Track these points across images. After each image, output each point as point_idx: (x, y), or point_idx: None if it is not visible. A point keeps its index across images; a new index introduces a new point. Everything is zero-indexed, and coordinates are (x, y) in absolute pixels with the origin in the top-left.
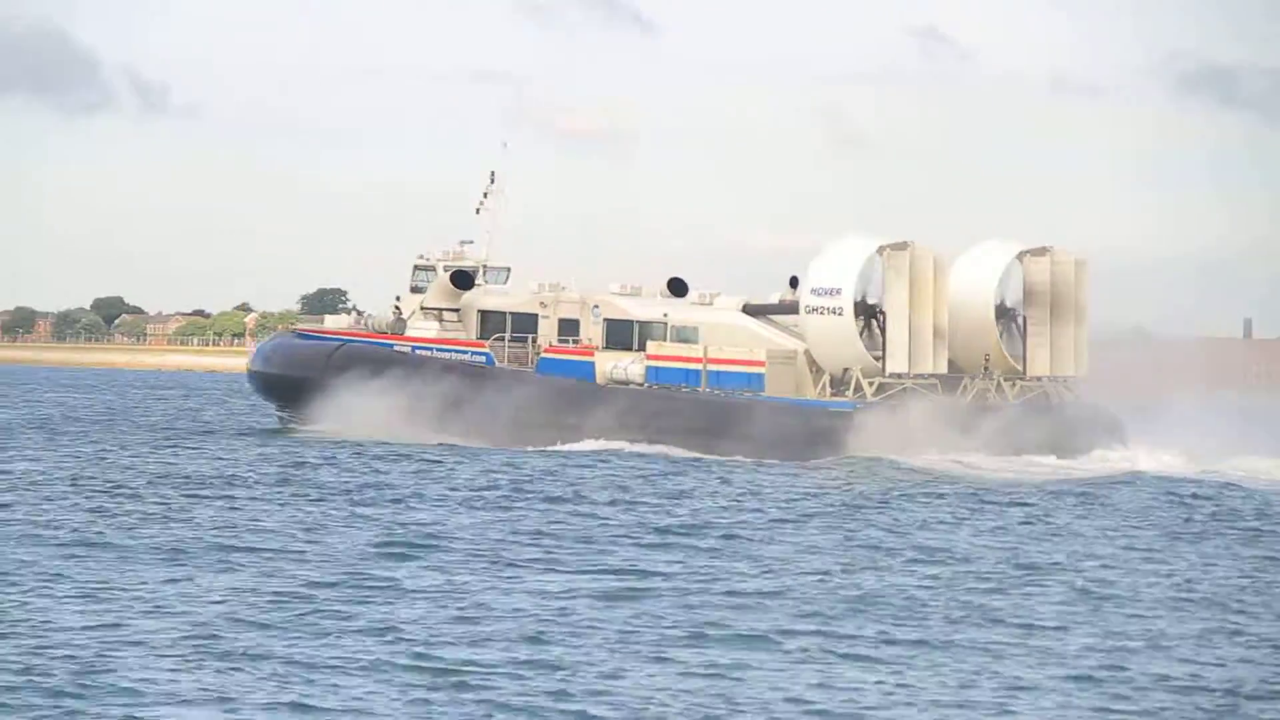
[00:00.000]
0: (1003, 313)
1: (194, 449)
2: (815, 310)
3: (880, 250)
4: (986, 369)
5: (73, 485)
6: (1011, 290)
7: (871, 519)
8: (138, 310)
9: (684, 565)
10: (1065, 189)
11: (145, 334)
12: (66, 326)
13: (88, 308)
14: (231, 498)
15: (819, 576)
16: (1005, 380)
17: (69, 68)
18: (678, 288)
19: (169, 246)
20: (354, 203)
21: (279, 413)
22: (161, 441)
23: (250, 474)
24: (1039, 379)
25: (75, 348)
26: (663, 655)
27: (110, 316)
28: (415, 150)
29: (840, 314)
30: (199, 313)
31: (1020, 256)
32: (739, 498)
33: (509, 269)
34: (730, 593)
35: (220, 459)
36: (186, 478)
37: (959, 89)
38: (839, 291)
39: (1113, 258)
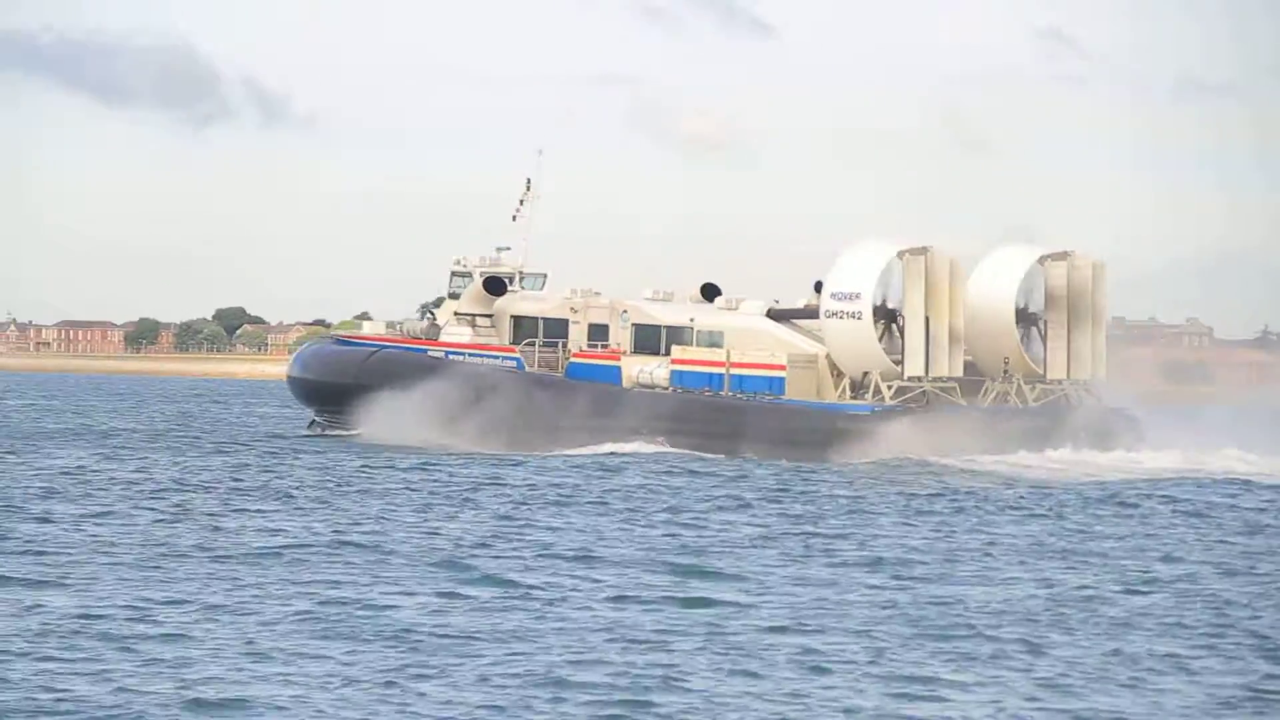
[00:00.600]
0: (1024, 317)
1: (312, 454)
2: (835, 314)
3: (900, 255)
4: (1006, 372)
5: (180, 491)
6: (1034, 294)
7: (954, 522)
8: (259, 320)
9: (795, 573)
10: (1188, 191)
11: (266, 344)
12: (189, 337)
13: (210, 319)
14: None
15: (928, 582)
16: (1025, 383)
17: (191, 80)
18: (711, 293)
19: (290, 256)
20: (474, 209)
21: (316, 418)
22: (269, 448)
23: (367, 480)
24: (1059, 382)
25: (197, 358)
26: (771, 663)
27: (232, 327)
28: (538, 156)
29: (859, 318)
30: (320, 322)
31: (1041, 261)
32: (839, 502)
33: (545, 275)
34: (842, 601)
35: (334, 465)
36: (298, 484)
37: (1080, 91)
38: (858, 296)
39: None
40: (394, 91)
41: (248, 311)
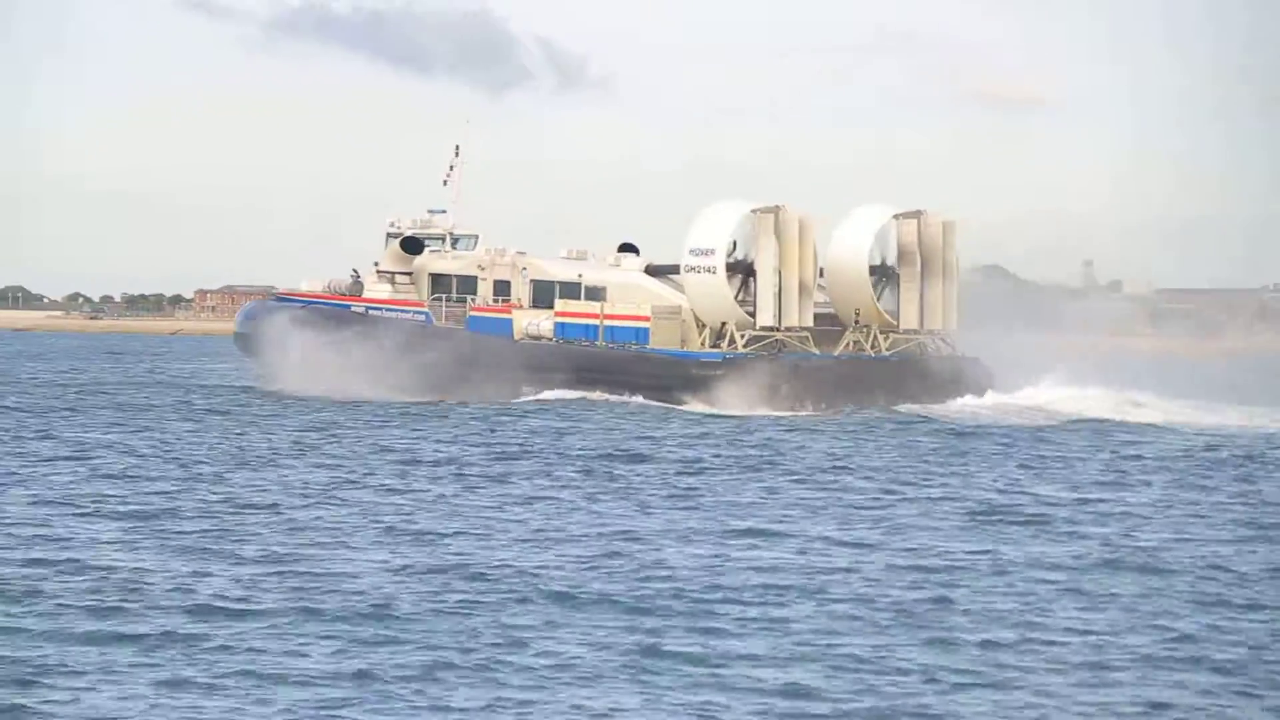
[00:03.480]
0: (884, 271)
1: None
2: (692, 269)
3: (753, 211)
4: (858, 322)
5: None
6: (892, 250)
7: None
8: None
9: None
10: None
11: None
12: None
13: None
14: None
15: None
16: (880, 333)
17: (488, 44)
18: (629, 251)
19: (586, 221)
20: (758, 177)
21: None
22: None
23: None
24: (913, 332)
25: None
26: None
27: None
28: (822, 123)
29: (714, 272)
30: None
31: (895, 218)
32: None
33: (477, 235)
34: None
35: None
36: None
37: None
38: (712, 252)
39: None
40: (693, 56)
41: None
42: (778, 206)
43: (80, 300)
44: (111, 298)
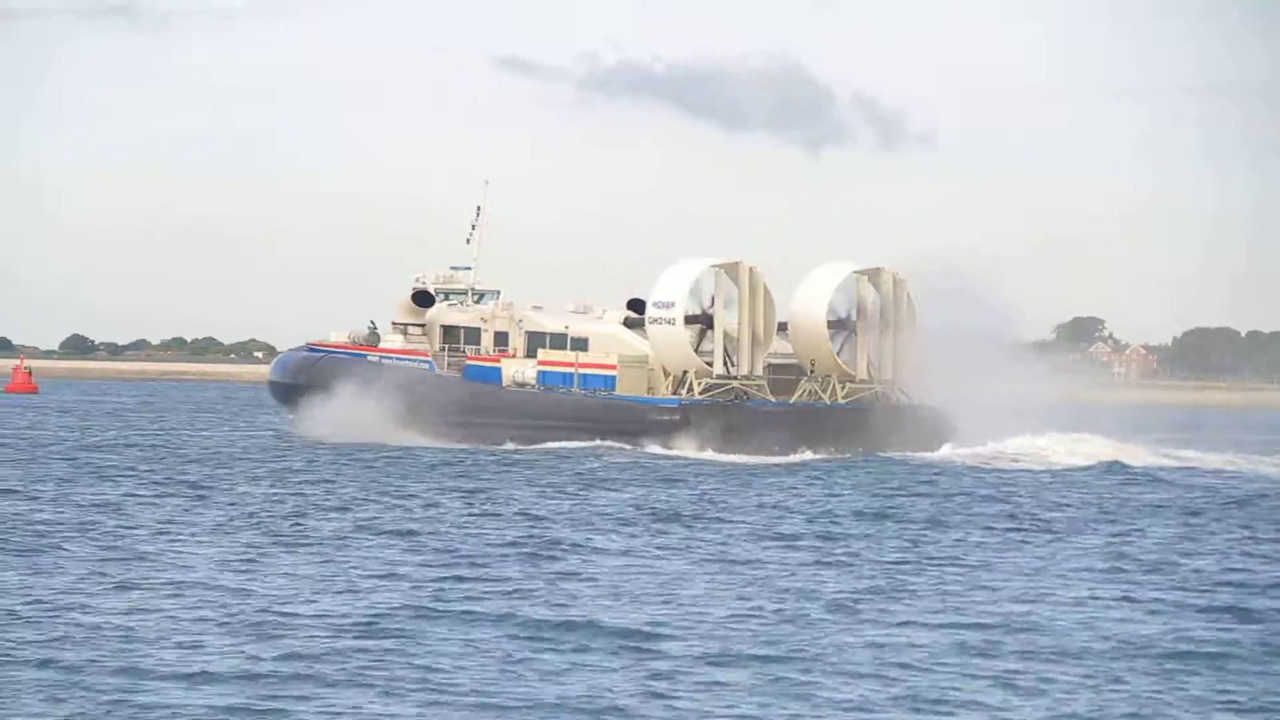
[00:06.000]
0: (844, 323)
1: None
2: (655, 321)
3: (711, 268)
4: (812, 372)
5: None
6: (852, 304)
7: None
8: None
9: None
10: None
11: None
12: None
13: None
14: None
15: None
16: (839, 382)
17: (806, 101)
18: (636, 307)
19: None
20: (1090, 223)
21: (290, 416)
22: None
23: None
24: (867, 381)
25: None
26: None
27: None
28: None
29: (674, 323)
30: None
31: (855, 274)
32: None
33: (499, 291)
34: None
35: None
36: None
37: None
38: (672, 304)
39: None
40: (1008, 106)
41: None
42: (735, 261)
43: None
44: None
